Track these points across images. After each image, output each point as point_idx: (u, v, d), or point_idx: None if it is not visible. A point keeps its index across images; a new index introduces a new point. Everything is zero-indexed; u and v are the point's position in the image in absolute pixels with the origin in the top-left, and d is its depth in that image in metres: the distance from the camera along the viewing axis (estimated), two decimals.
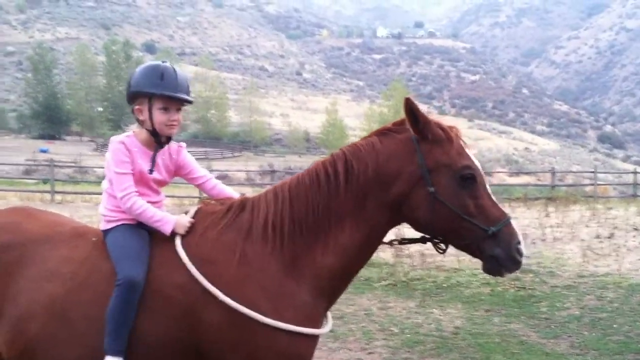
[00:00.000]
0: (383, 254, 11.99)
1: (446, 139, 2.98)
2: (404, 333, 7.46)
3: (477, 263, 10.60)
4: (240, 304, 2.86)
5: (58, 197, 24.38)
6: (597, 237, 12.82)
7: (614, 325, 7.48)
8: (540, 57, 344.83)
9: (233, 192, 3.56)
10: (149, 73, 3.29)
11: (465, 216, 2.91)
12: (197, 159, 3.65)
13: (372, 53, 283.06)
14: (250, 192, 3.83)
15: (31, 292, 3.09)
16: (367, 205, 2.97)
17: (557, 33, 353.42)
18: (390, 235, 3.26)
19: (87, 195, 25.75)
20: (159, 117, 3.27)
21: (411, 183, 2.94)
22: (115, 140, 3.29)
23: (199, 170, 3.59)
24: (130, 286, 2.93)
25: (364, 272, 10.50)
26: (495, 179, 51.59)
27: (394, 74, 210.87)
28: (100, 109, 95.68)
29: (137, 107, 3.31)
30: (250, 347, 2.89)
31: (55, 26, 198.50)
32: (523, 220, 15.86)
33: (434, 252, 10.79)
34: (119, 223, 3.24)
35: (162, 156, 3.40)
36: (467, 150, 3.04)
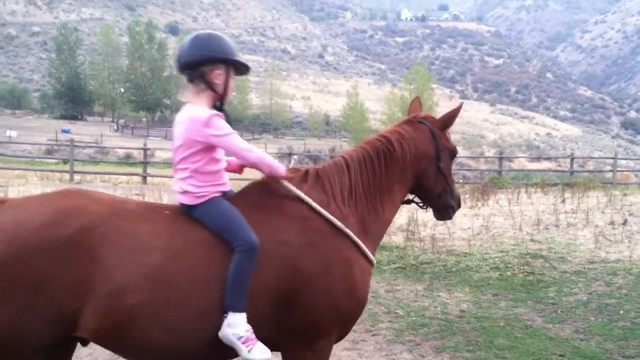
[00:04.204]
0: (395, 237, 11.99)
1: (447, 130, 4.11)
2: (410, 316, 7.50)
3: (488, 248, 10.47)
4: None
5: (77, 177, 24.58)
6: (611, 223, 12.70)
7: (621, 312, 7.46)
8: (566, 41, 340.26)
9: None
10: (227, 42, 3.64)
11: (450, 182, 4.04)
12: None
13: (395, 36, 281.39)
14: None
15: (127, 266, 3.21)
16: (407, 174, 3.94)
17: (584, 17, 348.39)
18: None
19: (105, 176, 26.00)
20: (232, 84, 3.69)
21: (432, 159, 3.97)
22: (213, 113, 3.48)
23: None
24: (252, 249, 3.31)
25: None
26: (515, 164, 51.29)
27: (417, 57, 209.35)
28: (122, 90, 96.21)
29: (217, 71, 3.56)
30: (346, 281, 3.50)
31: (80, 7, 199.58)
32: (539, 205, 15.75)
33: (446, 236, 10.72)
34: (210, 197, 3.51)
35: None
36: None
